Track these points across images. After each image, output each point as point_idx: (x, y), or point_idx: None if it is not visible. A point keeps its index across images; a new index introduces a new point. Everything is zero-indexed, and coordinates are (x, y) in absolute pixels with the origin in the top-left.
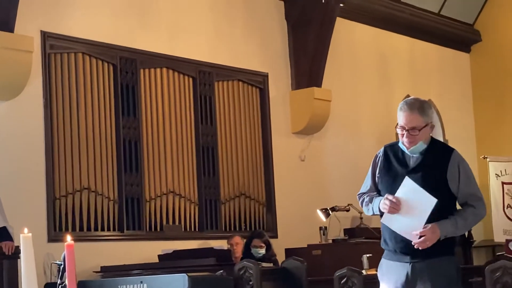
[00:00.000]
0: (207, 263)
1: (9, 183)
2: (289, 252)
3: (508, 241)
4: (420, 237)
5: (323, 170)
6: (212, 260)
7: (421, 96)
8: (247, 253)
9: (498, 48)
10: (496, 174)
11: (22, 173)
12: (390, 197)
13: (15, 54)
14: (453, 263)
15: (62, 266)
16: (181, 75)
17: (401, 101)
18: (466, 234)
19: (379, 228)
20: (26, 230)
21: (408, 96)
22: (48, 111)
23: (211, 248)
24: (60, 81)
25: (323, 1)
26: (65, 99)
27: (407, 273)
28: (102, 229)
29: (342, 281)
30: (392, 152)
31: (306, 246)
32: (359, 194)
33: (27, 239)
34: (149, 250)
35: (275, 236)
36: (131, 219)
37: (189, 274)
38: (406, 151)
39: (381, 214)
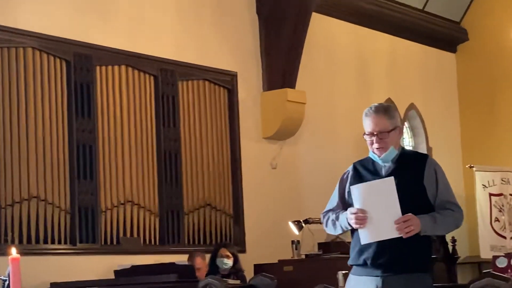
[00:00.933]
0: (168, 279)
1: None
2: (258, 268)
3: (495, 257)
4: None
5: (296, 178)
6: (173, 276)
7: (404, 100)
8: (212, 265)
9: (486, 48)
10: (483, 184)
11: None
12: (352, 209)
13: None
14: (428, 280)
15: (7, 282)
16: (142, 74)
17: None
18: (450, 249)
19: None
20: None
21: (389, 99)
22: None
23: (173, 263)
24: (7, 78)
25: None
26: (12, 98)
27: None
28: (53, 242)
29: None
30: (361, 166)
31: (276, 261)
32: (323, 212)
33: None
34: (104, 265)
35: (243, 251)
36: (85, 231)
37: None
38: (378, 160)
39: (352, 228)
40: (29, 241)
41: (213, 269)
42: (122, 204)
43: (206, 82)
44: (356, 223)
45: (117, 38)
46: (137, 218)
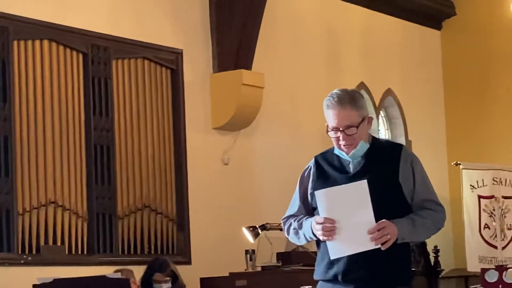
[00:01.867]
0: None
1: None
2: (206, 283)
3: (484, 270)
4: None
5: (251, 177)
6: None
7: (380, 85)
8: (146, 285)
9: (476, 24)
10: (471, 185)
11: None
12: (318, 219)
13: None
14: None
15: None
16: (68, 50)
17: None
18: (432, 261)
19: None
20: None
21: (362, 84)
22: None
23: (103, 277)
24: None
25: None
26: None
27: None
28: None
29: None
30: (325, 161)
31: (227, 274)
32: (284, 218)
33: None
34: (21, 278)
35: (188, 262)
36: None
37: None
38: (345, 157)
39: (317, 239)
40: None
41: None
42: (43, 205)
43: (146, 61)
44: (324, 235)
45: (39, 7)
46: (61, 222)
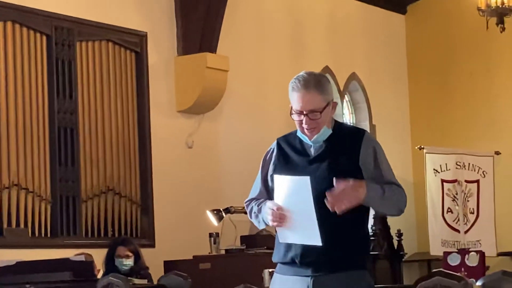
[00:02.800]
0: (61, 278)
1: None
2: (170, 266)
3: (447, 254)
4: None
5: (216, 160)
6: (67, 274)
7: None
8: (109, 264)
9: (442, 8)
10: (434, 169)
11: None
12: (270, 204)
13: None
14: (365, 278)
15: None
16: (31, 32)
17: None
18: (395, 244)
19: None
20: None
21: (327, 68)
22: None
23: (67, 259)
24: None
25: None
26: None
27: None
28: None
29: None
30: (287, 144)
31: (191, 257)
32: (246, 201)
33: None
34: None
35: (152, 245)
36: None
37: None
38: (307, 141)
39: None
40: None
41: (111, 270)
42: (6, 188)
43: (110, 44)
44: (273, 221)
45: None
46: (24, 205)
